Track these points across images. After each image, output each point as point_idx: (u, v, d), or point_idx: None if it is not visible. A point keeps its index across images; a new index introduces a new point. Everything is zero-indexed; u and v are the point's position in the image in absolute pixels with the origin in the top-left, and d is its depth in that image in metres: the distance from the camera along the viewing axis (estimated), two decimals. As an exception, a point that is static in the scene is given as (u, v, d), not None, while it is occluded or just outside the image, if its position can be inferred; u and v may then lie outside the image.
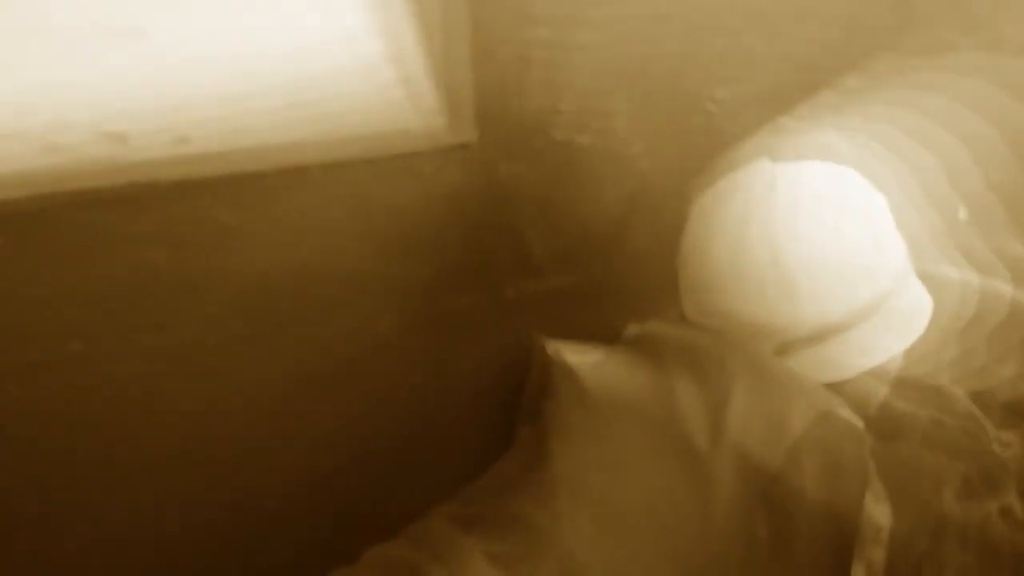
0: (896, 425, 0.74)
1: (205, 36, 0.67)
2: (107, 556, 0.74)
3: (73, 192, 0.67)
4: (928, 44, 0.69)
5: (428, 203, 0.72)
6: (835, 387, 0.73)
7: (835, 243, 0.71)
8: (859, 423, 0.71)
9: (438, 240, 0.73)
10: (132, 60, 0.67)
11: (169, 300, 0.72)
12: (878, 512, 0.71)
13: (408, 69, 0.73)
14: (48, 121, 0.64)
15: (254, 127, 0.73)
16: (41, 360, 0.68)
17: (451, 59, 0.73)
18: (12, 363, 0.67)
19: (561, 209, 0.73)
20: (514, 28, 0.69)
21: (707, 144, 0.74)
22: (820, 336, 0.72)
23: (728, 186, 0.73)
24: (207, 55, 0.69)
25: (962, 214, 0.73)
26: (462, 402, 0.75)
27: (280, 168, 0.73)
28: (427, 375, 0.74)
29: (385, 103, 0.75)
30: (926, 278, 0.72)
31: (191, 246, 0.71)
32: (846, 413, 0.71)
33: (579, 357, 0.71)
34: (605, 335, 0.71)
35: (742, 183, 0.73)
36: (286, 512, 0.76)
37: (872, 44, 0.69)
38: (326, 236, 0.73)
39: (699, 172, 0.73)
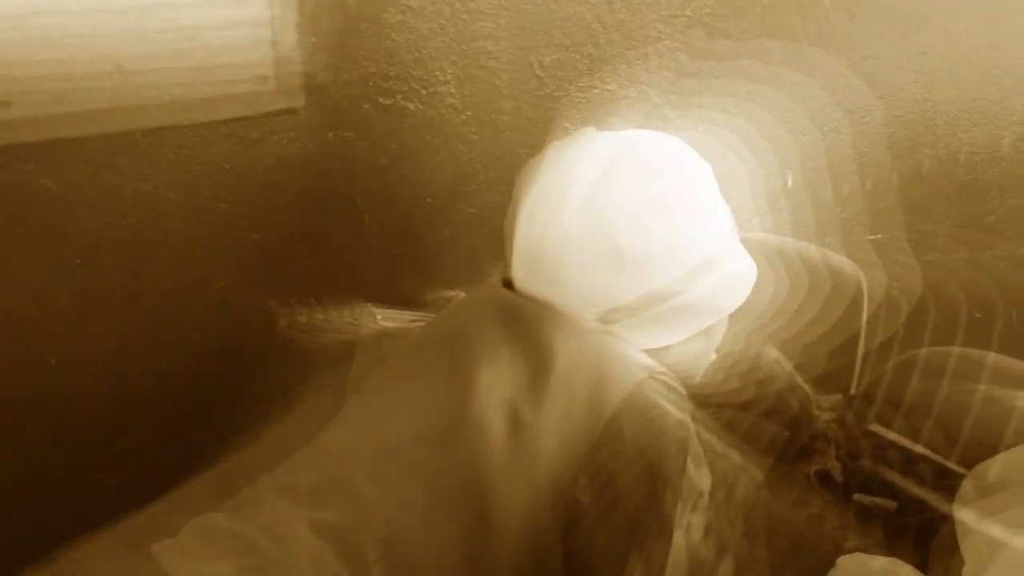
0: (719, 390, 0.75)
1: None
2: None
3: None
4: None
5: (256, 169, 0.72)
6: (659, 353, 0.74)
7: (660, 211, 0.71)
8: (680, 388, 0.71)
9: (268, 206, 0.73)
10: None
11: (-9, 271, 0.71)
12: (699, 476, 0.72)
13: (234, 35, 0.73)
14: None
15: (78, 91, 0.73)
16: None
17: (278, 23, 0.73)
18: None
19: (391, 177, 0.73)
20: (340, -6, 0.69)
21: (536, 111, 0.74)
22: (645, 304, 0.72)
23: (555, 154, 0.73)
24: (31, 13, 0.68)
25: (790, 181, 0.73)
26: (293, 358, 0.75)
27: (105, 133, 0.72)
28: (258, 336, 0.74)
29: (210, 67, 0.74)
30: (752, 246, 0.73)
31: (14, 215, 0.70)
32: (667, 379, 0.71)
33: (401, 322, 0.71)
34: (431, 301, 0.71)
35: (569, 151, 0.73)
36: (114, 469, 0.76)
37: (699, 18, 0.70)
38: (154, 202, 0.72)
39: (527, 140, 0.73)
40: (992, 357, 0.78)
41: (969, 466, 0.72)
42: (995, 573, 0.63)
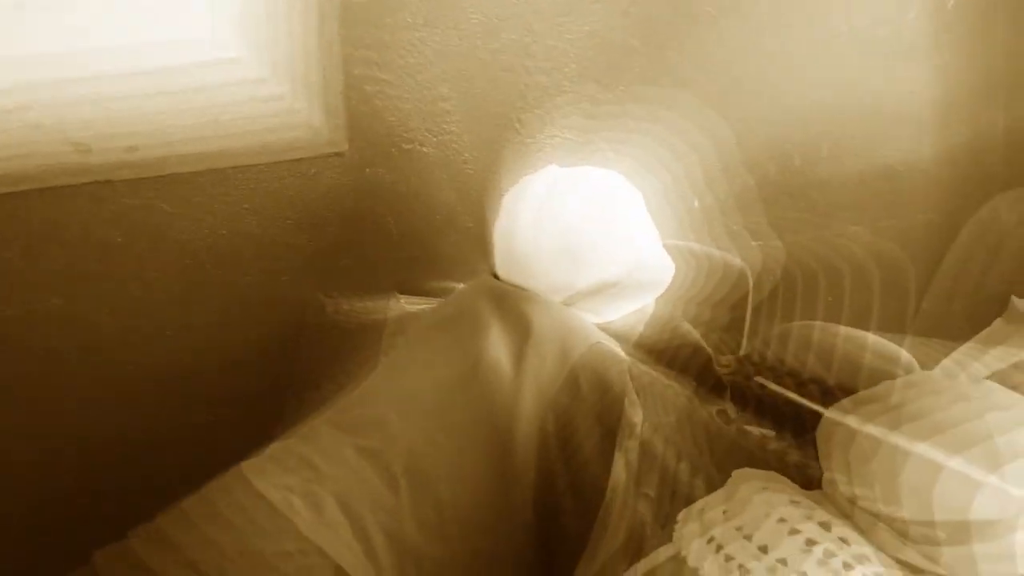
0: (648, 352, 1.01)
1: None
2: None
3: (50, 188, 0.92)
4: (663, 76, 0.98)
5: (312, 195, 0.98)
6: (605, 326, 1.00)
7: (604, 225, 0.98)
8: (620, 351, 0.97)
9: (320, 223, 1.00)
10: (95, 81, 0.91)
11: (125, 268, 0.96)
12: (633, 413, 0.95)
13: (296, 98, 1.00)
14: (25, 139, 0.89)
15: (185, 139, 0.99)
16: (29, 311, 0.93)
17: (328, 89, 1.00)
18: (5, 313, 0.91)
19: (411, 201, 1.00)
20: (374, 69, 0.96)
21: (515, 153, 1.01)
22: (595, 291, 0.98)
23: (528, 184, 1.01)
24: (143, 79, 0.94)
25: (696, 204, 1.01)
26: (342, 333, 1.02)
27: (207, 169, 0.99)
28: (315, 315, 1.01)
29: (280, 123, 1.01)
30: (670, 249, 1.00)
31: (140, 229, 0.95)
32: (611, 344, 0.95)
33: (419, 305, 0.98)
34: (440, 290, 0.98)
35: (538, 182, 1.00)
36: (213, 414, 1.02)
37: (629, 80, 0.98)
38: (240, 218, 0.98)
39: (509, 174, 1.00)
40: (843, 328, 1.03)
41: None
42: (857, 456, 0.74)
